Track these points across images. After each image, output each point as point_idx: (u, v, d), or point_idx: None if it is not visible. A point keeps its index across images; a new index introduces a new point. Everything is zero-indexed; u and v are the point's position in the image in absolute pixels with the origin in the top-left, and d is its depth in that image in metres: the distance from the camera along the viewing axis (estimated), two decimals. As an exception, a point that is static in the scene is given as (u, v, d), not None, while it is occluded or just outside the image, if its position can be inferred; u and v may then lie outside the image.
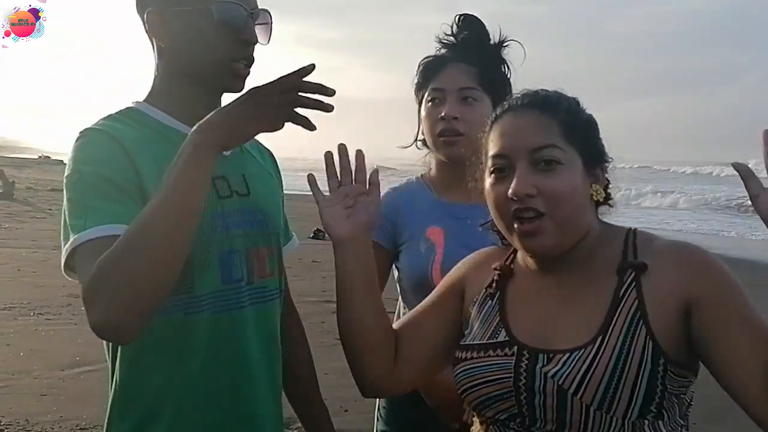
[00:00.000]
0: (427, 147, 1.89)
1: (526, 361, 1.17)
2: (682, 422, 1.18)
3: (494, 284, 1.30)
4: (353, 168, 1.33)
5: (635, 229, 1.28)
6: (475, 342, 1.26)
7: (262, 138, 1.42)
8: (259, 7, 1.39)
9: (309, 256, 9.18)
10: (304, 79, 1.14)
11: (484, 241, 1.73)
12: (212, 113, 1.19)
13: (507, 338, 1.22)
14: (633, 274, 1.18)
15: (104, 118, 1.35)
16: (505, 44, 1.86)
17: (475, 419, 1.29)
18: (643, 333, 1.12)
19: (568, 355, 1.14)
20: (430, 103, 1.83)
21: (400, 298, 1.91)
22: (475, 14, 1.87)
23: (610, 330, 1.13)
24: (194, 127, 1.18)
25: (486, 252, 1.42)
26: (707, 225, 17.01)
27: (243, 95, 1.18)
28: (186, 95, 1.37)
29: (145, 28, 1.38)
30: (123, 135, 1.29)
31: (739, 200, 20.40)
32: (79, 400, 4.26)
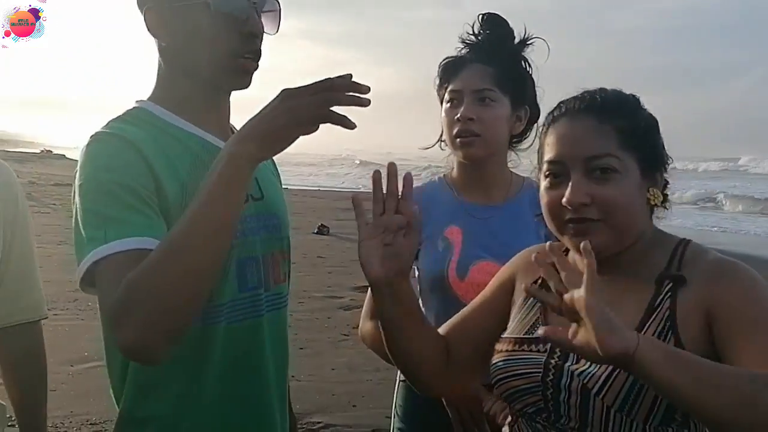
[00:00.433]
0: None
1: (557, 359, 1.20)
2: None
3: (540, 280, 1.29)
4: (400, 192, 1.24)
5: (689, 240, 1.26)
6: (513, 335, 1.29)
7: None
8: None
9: (314, 251, 9.18)
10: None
11: (502, 242, 1.75)
12: (243, 124, 1.13)
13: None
14: (670, 285, 1.18)
15: (114, 120, 1.28)
16: (528, 42, 1.87)
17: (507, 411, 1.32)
18: (671, 343, 1.13)
19: None
20: (448, 104, 1.86)
21: (419, 298, 1.92)
22: (498, 13, 1.86)
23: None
24: (228, 141, 1.14)
25: (538, 248, 1.44)
26: (702, 220, 17.02)
27: (273, 101, 1.11)
28: (189, 95, 1.31)
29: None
30: (137, 139, 1.22)
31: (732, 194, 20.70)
32: (88, 395, 4.26)
